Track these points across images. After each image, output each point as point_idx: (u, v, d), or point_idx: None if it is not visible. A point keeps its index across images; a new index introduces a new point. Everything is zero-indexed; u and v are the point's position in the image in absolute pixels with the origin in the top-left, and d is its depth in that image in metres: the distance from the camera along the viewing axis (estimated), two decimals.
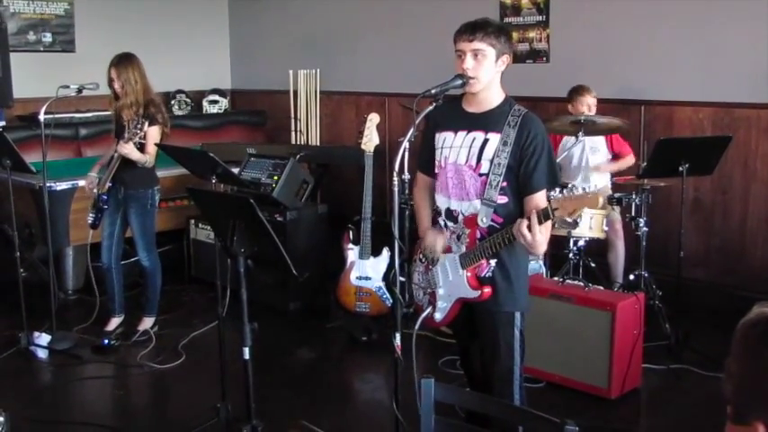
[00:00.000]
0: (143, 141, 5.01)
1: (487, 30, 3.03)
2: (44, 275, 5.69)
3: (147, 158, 5.09)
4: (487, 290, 3.13)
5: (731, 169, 5.65)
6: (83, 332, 5.42)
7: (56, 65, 7.72)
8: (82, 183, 5.79)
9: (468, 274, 3.14)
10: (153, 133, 5.09)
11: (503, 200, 3.08)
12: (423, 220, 3.38)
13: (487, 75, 3.07)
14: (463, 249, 3.15)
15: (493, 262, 3.13)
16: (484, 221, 3.07)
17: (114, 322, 5.46)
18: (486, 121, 3.12)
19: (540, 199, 3.01)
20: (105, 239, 5.37)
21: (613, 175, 5.60)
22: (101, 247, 5.41)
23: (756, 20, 5.50)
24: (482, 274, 3.15)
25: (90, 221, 5.23)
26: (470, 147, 3.11)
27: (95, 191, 5.19)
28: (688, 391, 4.54)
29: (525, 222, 2.86)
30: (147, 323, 5.48)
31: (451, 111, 3.21)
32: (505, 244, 3.00)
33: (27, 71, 7.34)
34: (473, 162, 3.10)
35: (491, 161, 3.05)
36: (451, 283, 3.20)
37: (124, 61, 5.13)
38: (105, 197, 5.16)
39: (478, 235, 3.11)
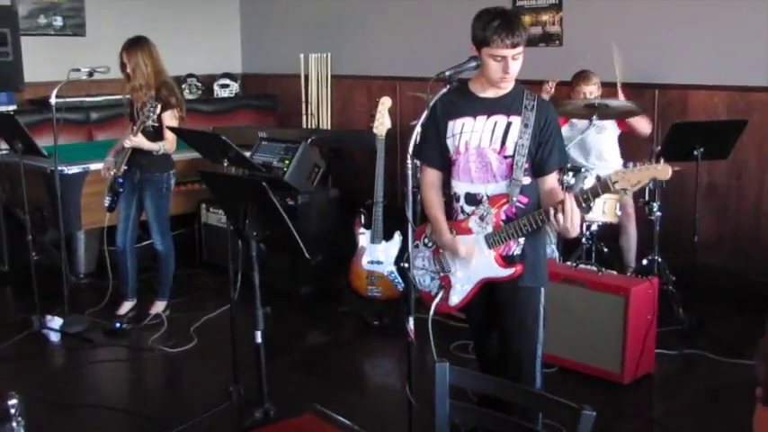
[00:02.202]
0: (155, 125, 4.99)
1: (523, 33, 3.03)
2: (56, 259, 5.70)
3: (163, 145, 5.07)
4: (520, 267, 3.18)
5: (746, 154, 5.59)
6: (95, 316, 5.43)
7: (66, 49, 7.69)
8: (93, 167, 5.80)
9: (495, 253, 3.17)
10: (167, 118, 5.08)
11: (527, 180, 3.17)
12: (444, 227, 3.28)
13: None
14: (489, 229, 3.16)
15: (521, 240, 3.17)
16: (513, 200, 3.13)
17: (126, 306, 5.46)
18: (505, 105, 3.15)
19: (552, 180, 3.17)
20: (121, 223, 5.37)
21: (626, 160, 5.56)
22: (116, 230, 5.40)
23: None
24: (509, 253, 3.19)
25: (107, 204, 5.22)
26: (493, 130, 3.14)
27: (112, 173, 5.19)
28: (701, 377, 4.52)
29: (559, 207, 2.94)
30: (160, 307, 5.48)
31: (462, 98, 3.20)
32: (539, 225, 3.07)
33: (38, 55, 7.33)
34: (497, 145, 3.14)
35: (515, 143, 3.12)
36: (474, 264, 3.20)
37: (134, 45, 5.12)
38: (121, 180, 5.14)
39: (503, 216, 3.15)
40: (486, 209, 3.17)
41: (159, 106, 4.91)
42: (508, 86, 3.13)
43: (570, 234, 3.01)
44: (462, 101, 3.19)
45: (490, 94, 3.17)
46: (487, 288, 3.25)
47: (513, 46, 3.00)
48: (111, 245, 5.53)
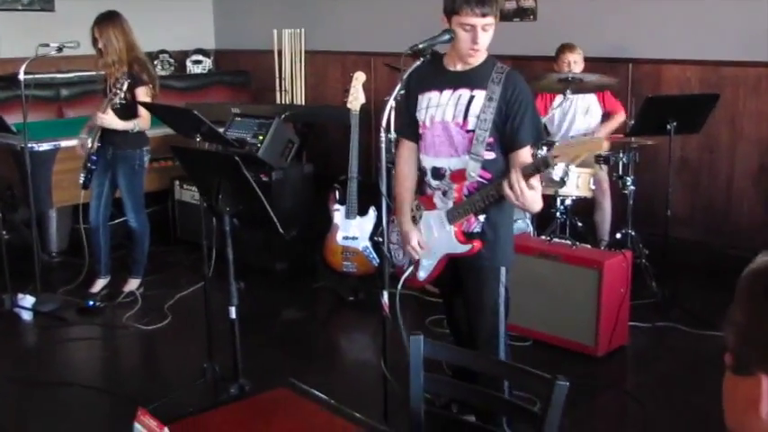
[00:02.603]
0: (123, 102, 4.94)
1: (495, 4, 3.00)
2: (27, 238, 5.64)
3: (136, 123, 5.02)
4: (477, 244, 3.13)
5: (718, 128, 5.63)
6: (68, 294, 5.39)
7: (35, 24, 7.58)
8: (64, 144, 5.73)
9: (455, 229, 3.14)
10: (140, 94, 5.03)
11: (490, 155, 3.08)
12: (404, 212, 3.31)
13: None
14: (450, 205, 3.14)
15: (481, 217, 3.14)
16: (472, 176, 3.07)
17: (100, 283, 5.42)
18: (470, 79, 3.10)
19: (524, 155, 3.05)
20: (93, 199, 5.33)
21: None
22: (89, 207, 5.36)
23: None
24: (470, 230, 3.16)
25: (81, 181, 5.18)
26: (456, 104, 3.10)
27: (86, 150, 5.13)
28: (674, 349, 4.57)
29: (506, 182, 2.87)
30: (133, 284, 5.44)
31: (434, 71, 3.17)
32: (494, 199, 3.00)
33: (6, 30, 7.23)
34: (459, 119, 3.09)
35: (477, 117, 3.05)
36: (437, 239, 3.19)
37: (106, 20, 5.05)
38: (95, 158, 5.10)
39: (465, 191, 3.11)
40: (448, 183, 3.14)
41: (126, 83, 4.85)
42: (476, 60, 3.09)
43: (531, 209, 2.97)
44: (433, 74, 3.17)
45: (460, 67, 3.14)
46: (453, 262, 3.25)
47: (483, 15, 2.97)
48: (86, 222, 5.49)
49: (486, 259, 3.17)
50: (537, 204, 2.93)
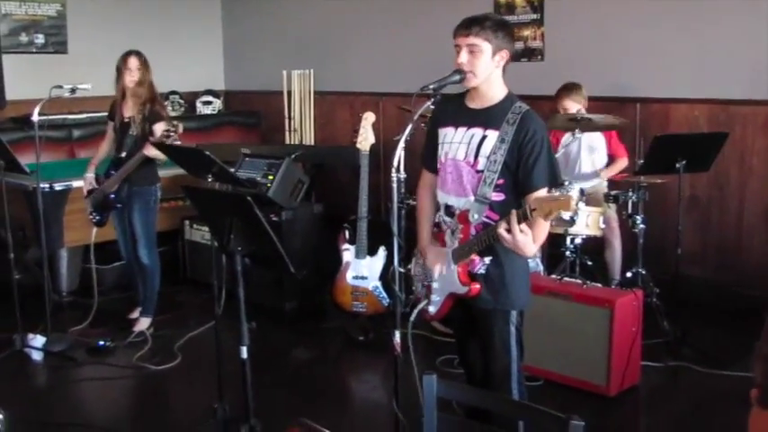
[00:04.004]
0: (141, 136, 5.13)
1: (484, 24, 3.01)
2: (38, 277, 5.65)
3: (159, 154, 5.15)
4: (476, 286, 3.08)
5: (727, 166, 5.64)
6: (78, 334, 5.39)
7: (48, 66, 7.67)
8: (76, 184, 5.77)
9: (460, 269, 3.10)
10: (159, 130, 5.15)
11: (499, 197, 3.03)
12: (422, 234, 3.32)
13: (484, 70, 3.04)
14: (456, 244, 3.12)
15: (487, 259, 3.09)
16: (475, 218, 3.03)
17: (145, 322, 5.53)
18: (486, 118, 3.08)
19: None
20: (120, 236, 5.52)
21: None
22: (118, 245, 5.55)
23: (751, 16, 5.50)
24: (474, 270, 3.11)
25: (95, 221, 5.29)
26: (469, 143, 3.08)
27: (105, 190, 5.24)
28: (687, 389, 4.53)
29: (503, 224, 2.83)
30: (144, 324, 5.46)
31: (454, 107, 3.18)
32: (490, 241, 2.95)
33: (19, 73, 7.30)
34: (471, 158, 3.07)
35: (487, 158, 3.02)
36: (444, 277, 3.17)
37: (144, 56, 5.26)
38: (114, 196, 5.23)
39: (473, 231, 3.08)
40: (455, 223, 3.12)
41: (181, 126, 4.99)
42: (471, 83, 3.06)
43: (522, 253, 2.89)
44: (454, 110, 3.18)
45: (478, 105, 3.13)
46: (465, 302, 3.19)
47: (466, 35, 3.00)
48: (97, 262, 5.53)
49: (492, 302, 3.12)
50: (528, 249, 2.85)
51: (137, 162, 5.12)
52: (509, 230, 2.80)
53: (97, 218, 5.34)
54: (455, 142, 3.13)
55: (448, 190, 3.16)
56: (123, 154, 5.24)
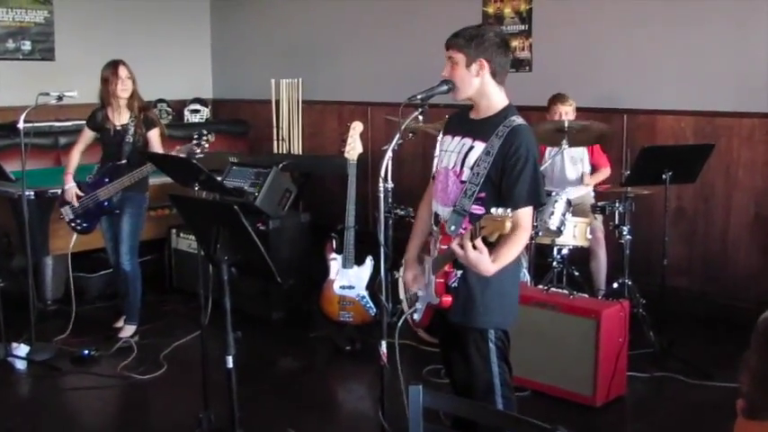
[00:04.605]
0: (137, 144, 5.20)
1: (459, 35, 3.03)
2: (23, 286, 5.62)
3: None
4: (448, 299, 3.02)
5: (713, 177, 5.67)
6: (62, 343, 5.35)
7: (35, 73, 7.66)
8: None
9: (438, 280, 3.04)
10: (154, 136, 5.29)
11: (479, 210, 2.95)
12: (410, 245, 3.30)
13: (464, 81, 3.03)
14: (436, 254, 3.08)
15: (459, 272, 3.02)
16: (452, 229, 2.96)
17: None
18: (478, 129, 3.06)
19: (521, 215, 2.88)
20: (108, 242, 5.51)
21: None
22: (107, 251, 5.56)
23: (737, 29, 5.54)
24: (449, 283, 3.04)
25: (82, 228, 5.32)
26: (459, 152, 3.07)
27: (101, 197, 5.24)
28: (673, 399, 4.54)
29: (456, 239, 2.79)
30: (129, 330, 5.45)
31: (461, 117, 3.20)
32: (452, 256, 2.88)
33: (6, 79, 7.27)
34: (458, 168, 3.04)
35: (471, 169, 2.98)
36: (427, 286, 3.16)
37: (128, 65, 5.29)
38: (107, 203, 5.25)
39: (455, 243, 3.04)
40: (436, 233, 3.10)
41: (212, 134, 5.01)
42: (457, 95, 3.07)
43: (479, 271, 2.80)
44: (458, 119, 3.20)
45: (475, 115, 3.13)
46: (443, 314, 3.13)
47: (446, 48, 3.04)
48: (76, 270, 5.50)
49: (458, 318, 3.05)
50: (482, 266, 2.77)
51: (146, 172, 5.17)
52: (460, 245, 2.75)
53: (84, 225, 5.32)
54: (449, 151, 3.13)
55: (437, 198, 3.15)
56: (123, 161, 5.24)
